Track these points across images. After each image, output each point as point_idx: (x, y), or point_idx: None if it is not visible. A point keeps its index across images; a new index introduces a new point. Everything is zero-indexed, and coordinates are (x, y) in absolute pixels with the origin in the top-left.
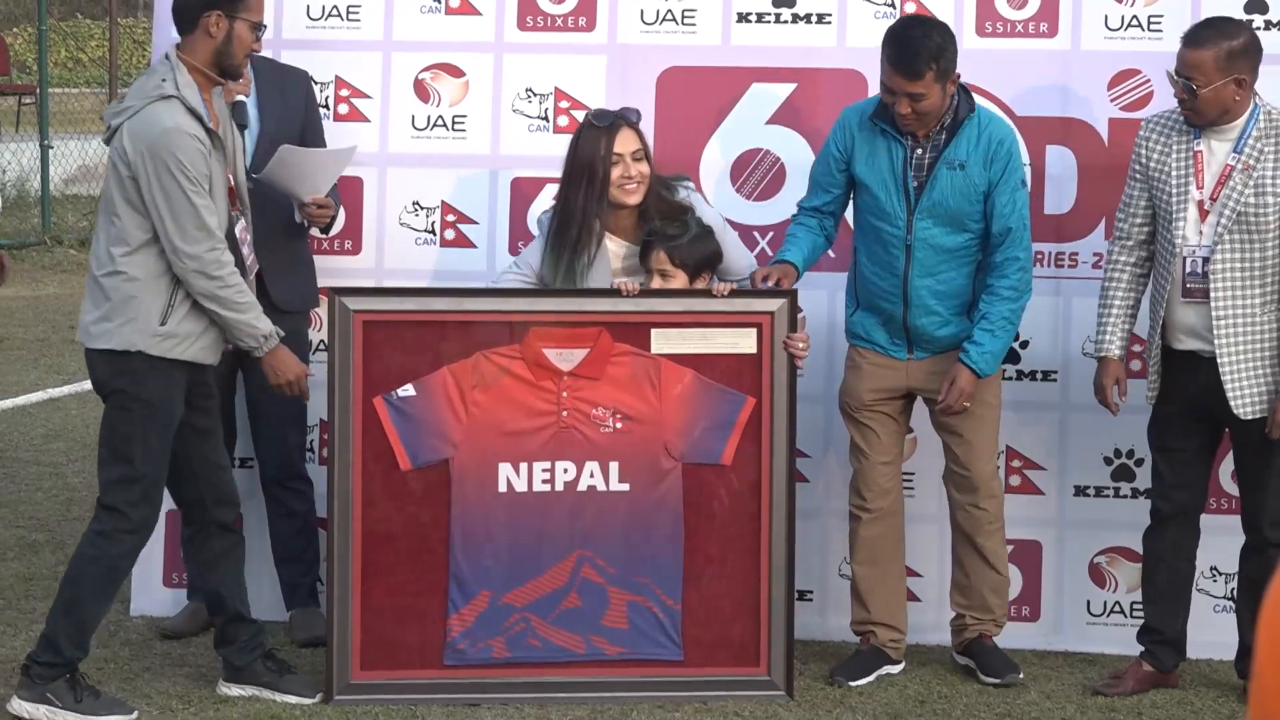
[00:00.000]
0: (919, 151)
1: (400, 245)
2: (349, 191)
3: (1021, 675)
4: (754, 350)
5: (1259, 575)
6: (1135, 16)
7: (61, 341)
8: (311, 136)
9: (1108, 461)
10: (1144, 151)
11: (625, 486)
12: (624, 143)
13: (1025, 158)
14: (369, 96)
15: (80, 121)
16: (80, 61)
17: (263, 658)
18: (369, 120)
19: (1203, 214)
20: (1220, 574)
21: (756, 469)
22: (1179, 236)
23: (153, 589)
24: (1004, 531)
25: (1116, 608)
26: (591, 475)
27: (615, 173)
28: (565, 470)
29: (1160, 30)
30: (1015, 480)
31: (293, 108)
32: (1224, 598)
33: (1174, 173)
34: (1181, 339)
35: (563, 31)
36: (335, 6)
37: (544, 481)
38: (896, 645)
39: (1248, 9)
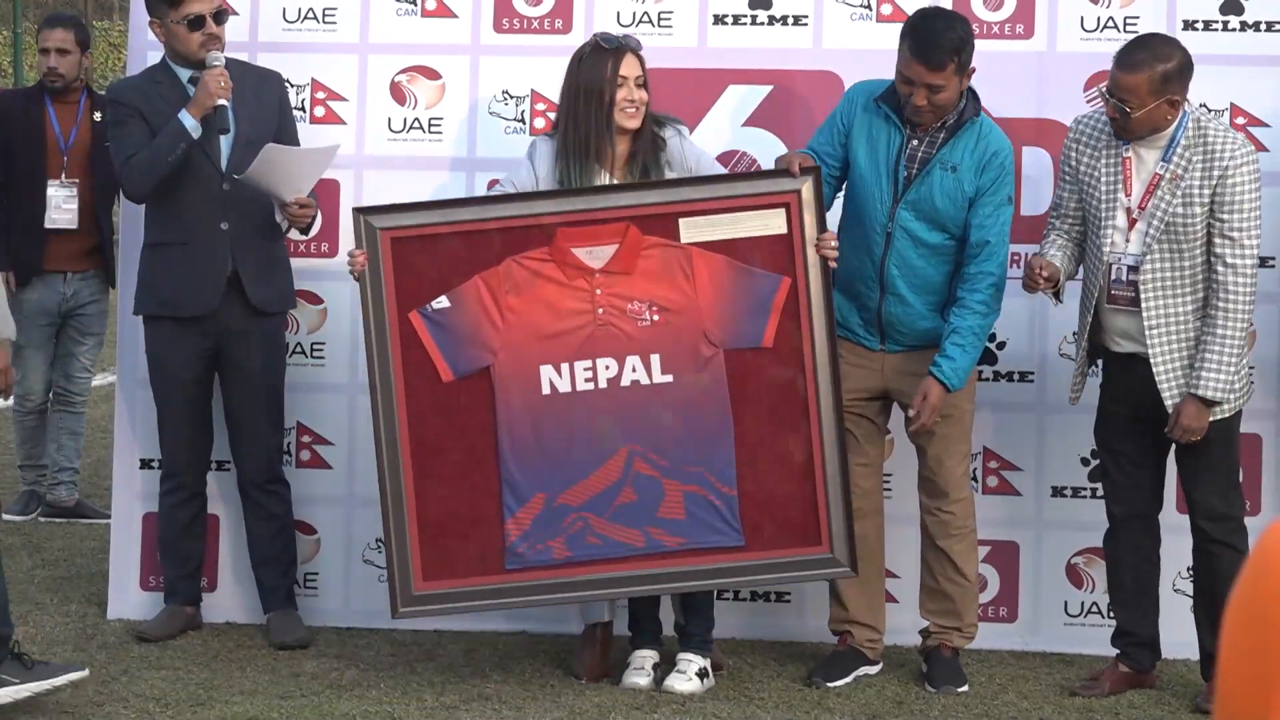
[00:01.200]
0: (914, 143)
1: None
2: (326, 194)
3: (965, 688)
4: (784, 230)
5: (1203, 575)
6: (1111, 18)
7: None
8: (286, 139)
9: (1084, 462)
10: (1073, 154)
11: (669, 378)
12: (629, 67)
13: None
14: (345, 99)
15: None
16: None
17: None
18: (345, 123)
19: (1131, 222)
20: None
21: (798, 348)
22: (1108, 243)
23: (129, 592)
24: (974, 537)
25: (1094, 608)
26: (634, 370)
27: (619, 95)
28: (607, 367)
29: (1136, 31)
30: (993, 481)
31: (267, 110)
32: None
33: (1103, 179)
34: (1119, 342)
35: (539, 34)
36: (311, 9)
37: (586, 380)
38: (874, 645)
39: (1223, 10)
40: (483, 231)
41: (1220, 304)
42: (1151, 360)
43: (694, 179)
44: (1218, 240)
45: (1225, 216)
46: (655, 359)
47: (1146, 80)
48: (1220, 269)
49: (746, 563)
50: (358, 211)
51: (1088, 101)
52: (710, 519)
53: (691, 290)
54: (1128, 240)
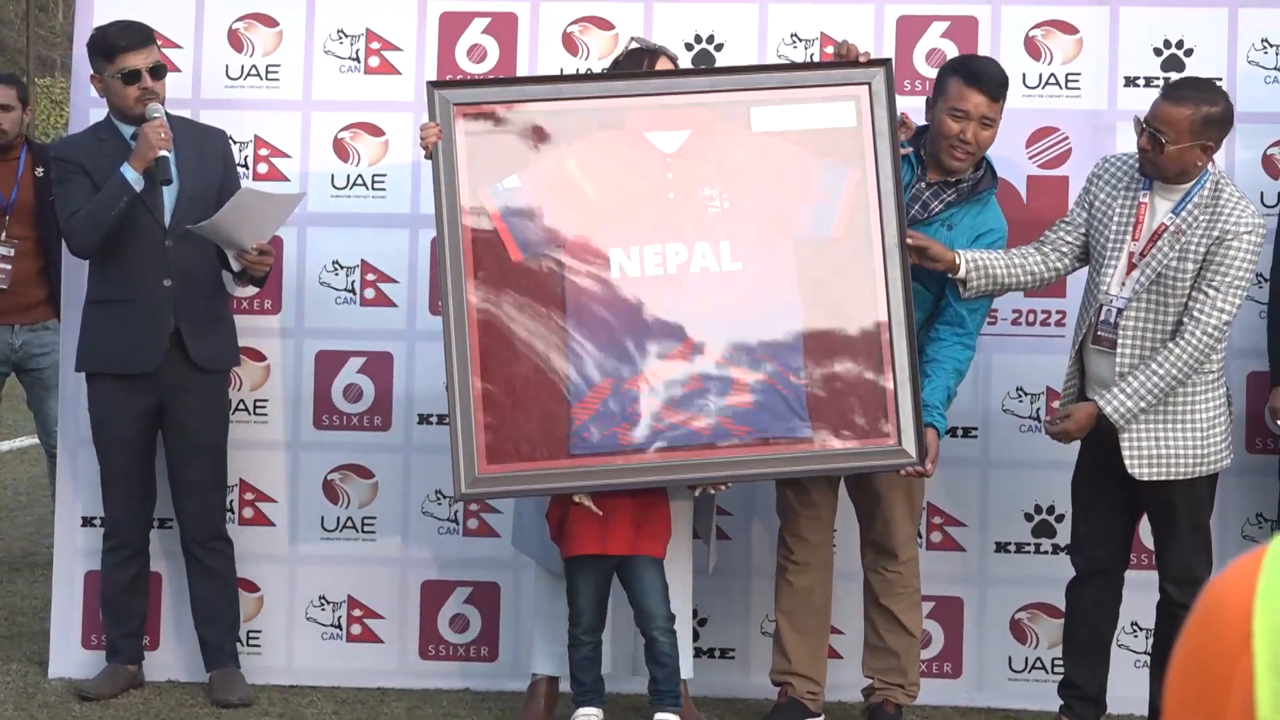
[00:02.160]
0: (921, 185)
1: (320, 304)
2: None
3: None
4: (854, 123)
5: (1166, 637)
6: (1053, 74)
7: None
8: (228, 196)
9: (1028, 518)
10: (1094, 190)
11: (738, 265)
12: (663, 66)
13: None
14: (288, 155)
15: None
16: None
17: None
18: (288, 179)
19: (1130, 266)
20: (1140, 629)
21: (866, 239)
22: (1104, 284)
23: (71, 651)
24: (919, 595)
25: (1038, 664)
26: (703, 256)
27: None
28: (676, 253)
29: (1078, 88)
30: (936, 536)
31: (210, 166)
32: (1144, 653)
33: (1115, 219)
34: (1095, 389)
35: None
36: (254, 66)
37: (656, 265)
38: (814, 697)
39: (1164, 67)
40: (556, 111)
41: (1172, 347)
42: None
43: (767, 66)
44: (1195, 294)
45: (1210, 275)
46: (725, 246)
47: (1189, 116)
48: (1187, 320)
49: (814, 452)
50: (431, 85)
51: (1030, 158)
52: (778, 408)
53: (762, 179)
54: (1123, 284)
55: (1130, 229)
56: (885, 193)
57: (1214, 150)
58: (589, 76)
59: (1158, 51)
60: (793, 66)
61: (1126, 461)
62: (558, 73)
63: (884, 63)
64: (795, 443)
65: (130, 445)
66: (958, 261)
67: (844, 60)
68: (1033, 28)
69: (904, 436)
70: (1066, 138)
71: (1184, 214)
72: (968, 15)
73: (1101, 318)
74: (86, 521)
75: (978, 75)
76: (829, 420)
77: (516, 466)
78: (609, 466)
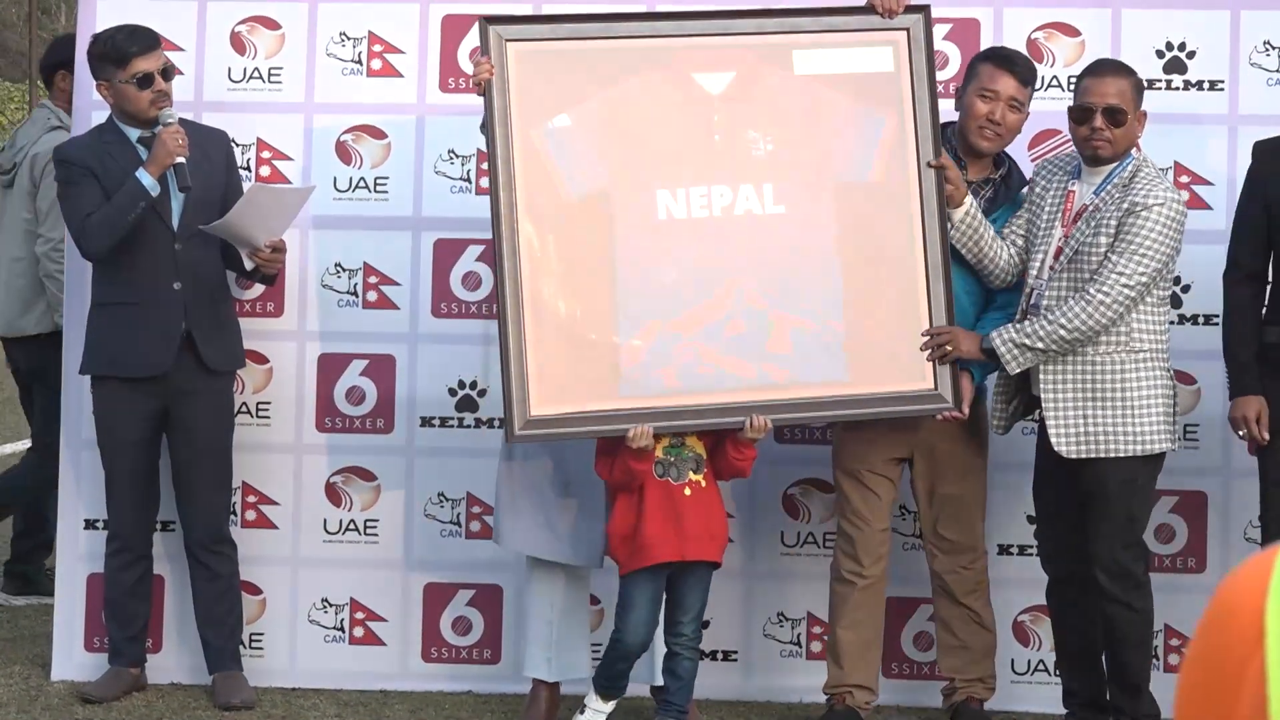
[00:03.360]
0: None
1: (323, 307)
2: None
3: None
4: (891, 68)
5: (1104, 634)
6: (1055, 77)
7: None
8: (232, 197)
9: (1030, 520)
10: (1034, 187)
11: (781, 209)
12: None
13: None
14: (290, 158)
15: None
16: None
17: None
18: (290, 182)
19: (1058, 251)
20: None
21: (905, 184)
22: (1034, 269)
23: (74, 653)
24: (989, 591)
25: (1040, 666)
26: (747, 199)
27: None
28: (721, 194)
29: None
30: None
31: (214, 168)
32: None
33: (1046, 209)
34: (1037, 380)
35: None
36: (257, 68)
37: (701, 207)
38: (868, 706)
39: (1167, 69)
40: (606, 49)
41: (1071, 302)
42: (1041, 395)
43: (809, 10)
44: (1103, 262)
45: (1117, 243)
46: (768, 189)
47: (1131, 85)
48: (1090, 287)
49: (851, 396)
50: (484, 20)
51: (1032, 160)
52: (816, 353)
53: (803, 122)
54: (1051, 268)
55: (1059, 216)
56: (923, 138)
57: (1144, 121)
58: (640, 15)
59: (1160, 54)
60: (833, 10)
61: (1053, 439)
62: (609, 10)
63: (923, 8)
64: (834, 386)
65: (136, 448)
66: (968, 199)
67: (878, 11)
68: (1035, 30)
69: (940, 380)
70: (1069, 140)
71: (1104, 194)
72: (969, 17)
73: (1031, 303)
74: (89, 524)
75: (1009, 58)
76: (867, 364)
77: (567, 408)
78: (655, 409)
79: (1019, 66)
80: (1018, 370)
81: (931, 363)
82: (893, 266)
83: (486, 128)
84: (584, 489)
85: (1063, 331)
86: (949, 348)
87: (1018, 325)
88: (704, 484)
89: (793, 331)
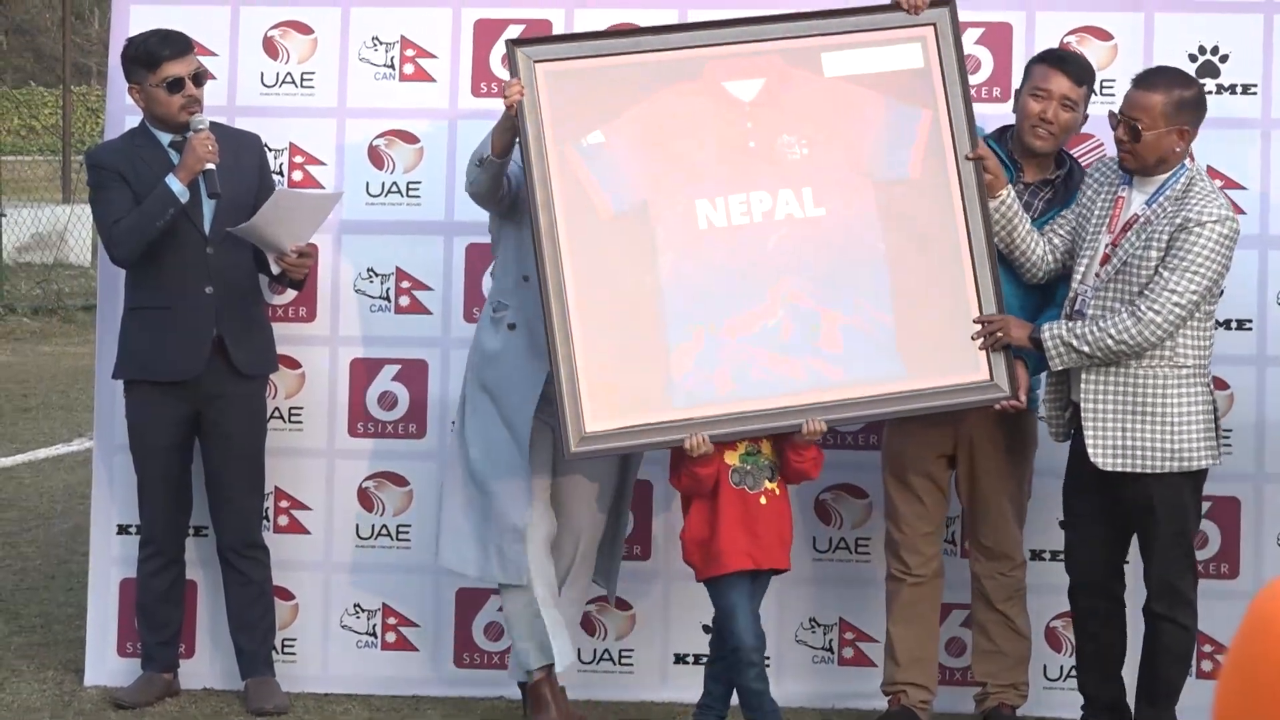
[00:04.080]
0: (1020, 186)
1: (355, 312)
2: None
3: None
4: (921, 64)
5: (1145, 646)
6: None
7: (15, 410)
8: (264, 201)
9: (1063, 525)
10: (1085, 189)
11: (822, 211)
12: None
13: None
14: (323, 163)
15: (34, 189)
16: (33, 129)
17: None
18: (323, 187)
19: (1105, 259)
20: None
21: (944, 178)
22: (1079, 274)
23: (106, 659)
24: (1025, 597)
25: (1073, 672)
26: (787, 203)
27: None
28: (761, 200)
29: (1113, 94)
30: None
31: (246, 173)
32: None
33: (1095, 214)
34: (1078, 388)
35: None
36: (289, 73)
37: (741, 214)
38: (925, 706)
39: (1199, 73)
40: (635, 64)
41: (1122, 312)
42: (1081, 404)
43: (834, 11)
44: (1154, 277)
45: (1168, 258)
46: (808, 192)
47: (1163, 101)
48: (1141, 302)
49: (909, 391)
50: (511, 44)
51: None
52: (869, 350)
53: (837, 123)
54: (1097, 275)
55: (1107, 222)
56: (958, 130)
57: (1191, 137)
58: (665, 28)
59: (1193, 58)
60: (859, 10)
61: (1090, 451)
62: (635, 25)
63: (948, 2)
64: (890, 383)
65: (168, 453)
66: (1005, 189)
67: (903, 7)
68: (1067, 34)
69: (995, 371)
70: (1102, 144)
71: (1155, 205)
72: (1002, 21)
73: (1076, 308)
74: (122, 529)
75: (1062, 58)
76: (921, 358)
77: (621, 422)
78: (710, 417)
79: (1072, 66)
80: (1059, 367)
81: (985, 352)
82: (938, 259)
83: (522, 148)
84: (507, 502)
85: (1110, 341)
86: (999, 334)
87: (1068, 324)
88: (778, 492)
89: (843, 329)
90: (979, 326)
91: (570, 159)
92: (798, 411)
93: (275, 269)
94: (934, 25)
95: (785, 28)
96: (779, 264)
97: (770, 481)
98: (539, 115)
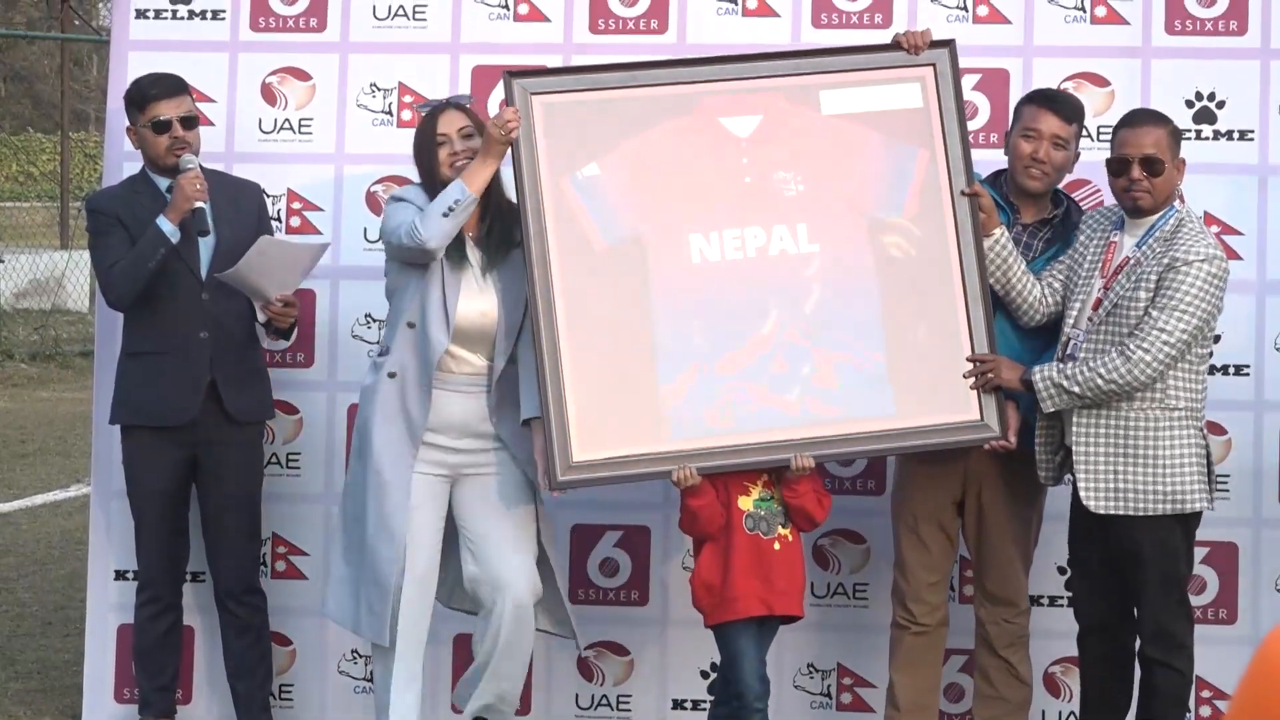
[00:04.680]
0: (1018, 229)
1: (353, 357)
2: (302, 303)
3: None
4: (920, 104)
5: (1140, 691)
6: (1084, 127)
7: (12, 456)
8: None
9: (1061, 571)
10: (1079, 237)
11: (815, 247)
12: (447, 123)
13: None
14: (321, 209)
15: (31, 235)
16: (31, 175)
17: None
18: (321, 233)
19: (1096, 303)
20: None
21: (939, 217)
22: (1070, 318)
23: (104, 704)
24: (1028, 643)
25: (1071, 717)
26: (781, 239)
27: (443, 153)
28: (755, 236)
29: (1106, 139)
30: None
31: (245, 219)
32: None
33: (1087, 260)
34: (1070, 431)
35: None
36: (287, 120)
37: (735, 249)
38: None
39: (1196, 119)
40: (631, 98)
41: (1113, 353)
42: (1073, 447)
43: (833, 49)
44: (1144, 317)
45: (1157, 298)
46: (802, 228)
47: (1168, 133)
48: (1130, 342)
49: (899, 429)
50: (508, 75)
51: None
52: (862, 387)
53: (834, 161)
54: (1089, 319)
55: (1099, 267)
56: (955, 171)
57: (1182, 171)
58: (662, 63)
59: (1189, 104)
60: (858, 49)
61: (1081, 493)
62: (632, 60)
63: (947, 43)
64: (880, 420)
65: (165, 498)
66: (998, 229)
67: (903, 47)
68: (1064, 80)
69: (986, 411)
70: (1099, 190)
71: (1145, 247)
72: (999, 68)
73: (1068, 352)
74: (119, 575)
75: (1050, 97)
76: (912, 396)
77: (609, 452)
78: (700, 449)
79: (1061, 104)
80: (1051, 409)
81: (976, 392)
82: (931, 298)
83: (515, 179)
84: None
85: (1100, 381)
86: (991, 375)
87: (1059, 365)
88: (791, 538)
89: (836, 366)
90: (971, 366)
91: (565, 191)
92: (787, 446)
93: (261, 317)
94: (933, 65)
95: (783, 65)
96: (772, 300)
97: (784, 528)
98: (534, 147)
